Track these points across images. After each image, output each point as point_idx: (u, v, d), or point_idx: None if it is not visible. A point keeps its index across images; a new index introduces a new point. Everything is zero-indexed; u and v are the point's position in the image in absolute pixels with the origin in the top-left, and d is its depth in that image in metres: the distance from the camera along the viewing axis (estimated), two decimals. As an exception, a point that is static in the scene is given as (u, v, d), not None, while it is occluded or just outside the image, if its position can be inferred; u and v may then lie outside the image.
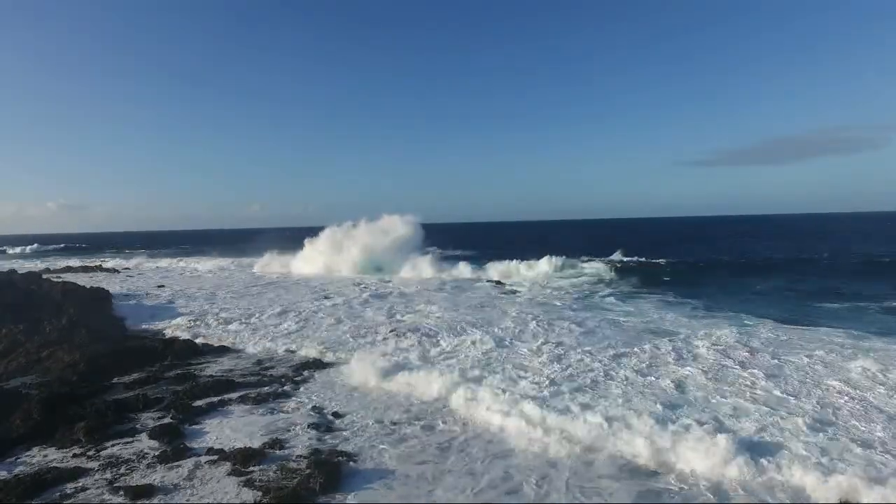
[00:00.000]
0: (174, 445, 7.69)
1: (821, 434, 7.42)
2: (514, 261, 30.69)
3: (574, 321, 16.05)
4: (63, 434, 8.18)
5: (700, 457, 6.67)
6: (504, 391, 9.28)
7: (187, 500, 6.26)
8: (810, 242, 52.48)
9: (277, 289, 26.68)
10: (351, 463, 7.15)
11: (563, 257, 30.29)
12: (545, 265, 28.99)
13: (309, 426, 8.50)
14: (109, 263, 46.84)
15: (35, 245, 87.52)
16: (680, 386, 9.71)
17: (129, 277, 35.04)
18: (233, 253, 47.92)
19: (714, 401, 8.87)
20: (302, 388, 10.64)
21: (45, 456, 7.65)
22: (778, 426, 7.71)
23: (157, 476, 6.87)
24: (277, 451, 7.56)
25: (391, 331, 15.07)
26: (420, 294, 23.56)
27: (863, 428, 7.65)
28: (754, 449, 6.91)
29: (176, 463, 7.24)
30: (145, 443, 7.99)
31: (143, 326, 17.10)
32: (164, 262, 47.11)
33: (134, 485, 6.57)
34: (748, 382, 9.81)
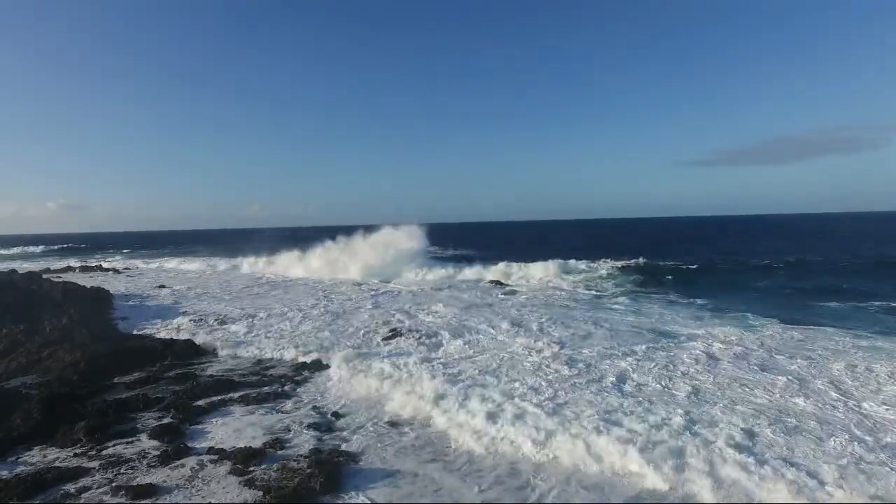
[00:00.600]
0: (175, 445, 7.70)
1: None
2: (515, 261, 30.67)
3: (575, 322, 16.04)
4: (64, 434, 8.18)
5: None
6: (496, 407, 8.63)
7: (188, 500, 6.26)
8: (811, 242, 52.48)
9: (278, 289, 26.69)
10: (351, 463, 7.15)
11: (564, 259, 30.27)
12: (546, 266, 28.96)
13: (309, 426, 8.51)
14: (104, 263, 46.83)
15: (35, 245, 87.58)
16: (697, 392, 9.27)
17: (129, 277, 35.05)
18: (232, 253, 47.86)
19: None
20: (302, 388, 10.65)
21: (46, 455, 7.66)
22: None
23: (158, 476, 6.88)
24: (278, 451, 7.56)
25: (391, 330, 15.06)
26: (420, 295, 23.57)
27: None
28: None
29: (177, 462, 7.24)
30: (146, 442, 7.99)
31: (144, 326, 17.09)
32: (156, 263, 46.94)
33: (135, 484, 6.57)
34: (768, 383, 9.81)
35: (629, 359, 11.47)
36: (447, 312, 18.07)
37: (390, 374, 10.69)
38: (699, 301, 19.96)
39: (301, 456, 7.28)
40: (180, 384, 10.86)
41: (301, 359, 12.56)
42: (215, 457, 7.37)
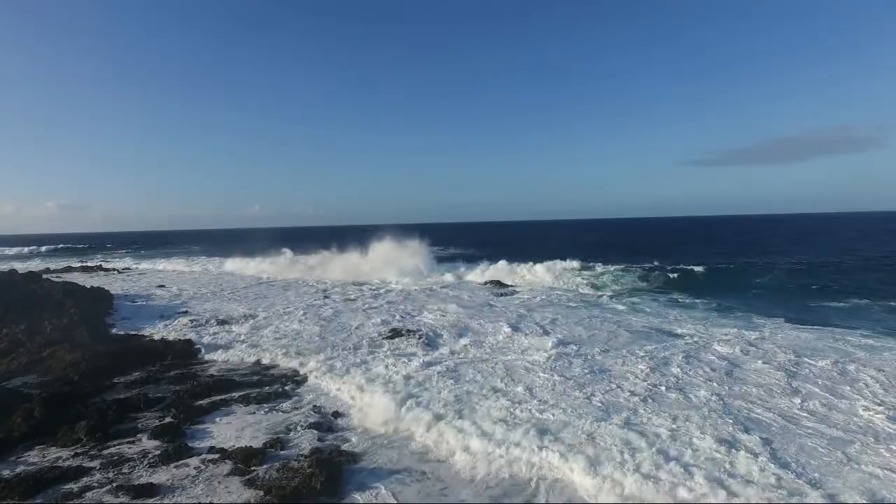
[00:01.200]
0: (175, 444, 7.70)
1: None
2: (516, 261, 30.65)
3: (575, 323, 16.05)
4: (65, 433, 8.19)
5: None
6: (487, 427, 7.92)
7: (189, 500, 6.27)
8: (812, 242, 52.48)
9: (278, 290, 26.70)
10: (352, 463, 7.15)
11: (566, 259, 30.22)
12: (547, 266, 28.93)
13: (309, 426, 8.50)
14: (105, 264, 46.83)
15: (35, 245, 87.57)
16: (720, 397, 8.89)
17: (129, 278, 35.05)
18: (233, 253, 47.84)
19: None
20: (302, 388, 10.65)
21: (47, 455, 7.66)
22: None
23: (159, 475, 6.88)
24: (279, 451, 7.56)
25: (391, 330, 15.04)
26: (420, 295, 23.58)
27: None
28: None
29: (177, 462, 7.25)
30: (147, 442, 7.99)
31: (144, 326, 17.09)
32: (156, 263, 46.97)
33: (135, 484, 6.57)
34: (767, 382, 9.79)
35: (630, 361, 11.38)
36: (447, 313, 18.07)
37: (363, 386, 10.10)
38: (703, 301, 20.03)
39: (302, 455, 7.28)
40: (181, 384, 10.86)
41: (291, 364, 12.33)
42: (216, 456, 7.38)
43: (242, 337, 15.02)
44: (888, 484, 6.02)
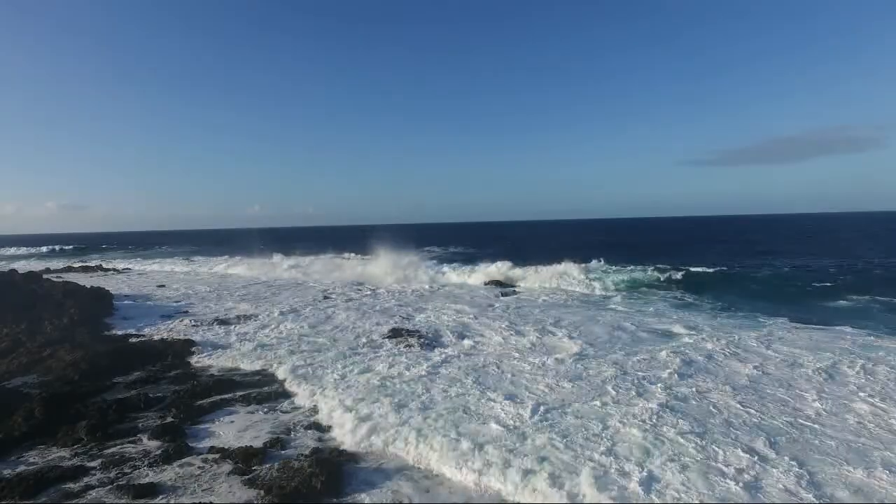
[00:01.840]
0: (176, 444, 7.70)
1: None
2: (517, 261, 30.61)
3: (575, 324, 16.05)
4: (65, 433, 8.19)
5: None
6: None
7: (189, 499, 6.27)
8: (812, 241, 52.45)
9: (279, 290, 26.71)
10: (353, 463, 7.15)
11: (567, 259, 30.19)
12: (548, 267, 28.89)
13: (310, 425, 8.51)
14: (105, 263, 46.83)
15: (35, 245, 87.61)
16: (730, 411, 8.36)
17: (129, 277, 35.07)
18: (233, 253, 47.86)
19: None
20: (302, 388, 10.62)
21: (48, 455, 7.67)
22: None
23: (160, 475, 6.88)
24: (279, 451, 7.57)
25: (391, 330, 15.05)
26: (420, 296, 23.59)
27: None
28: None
29: (178, 462, 7.25)
30: (147, 442, 7.99)
31: (144, 326, 17.09)
32: (156, 264, 47.01)
33: (136, 483, 6.58)
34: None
35: (643, 364, 11.27)
36: (448, 313, 18.07)
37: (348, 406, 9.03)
38: (708, 301, 20.03)
39: (302, 455, 7.28)
40: (181, 384, 10.86)
41: (291, 364, 12.39)
42: (216, 456, 7.38)
43: (243, 337, 15.02)
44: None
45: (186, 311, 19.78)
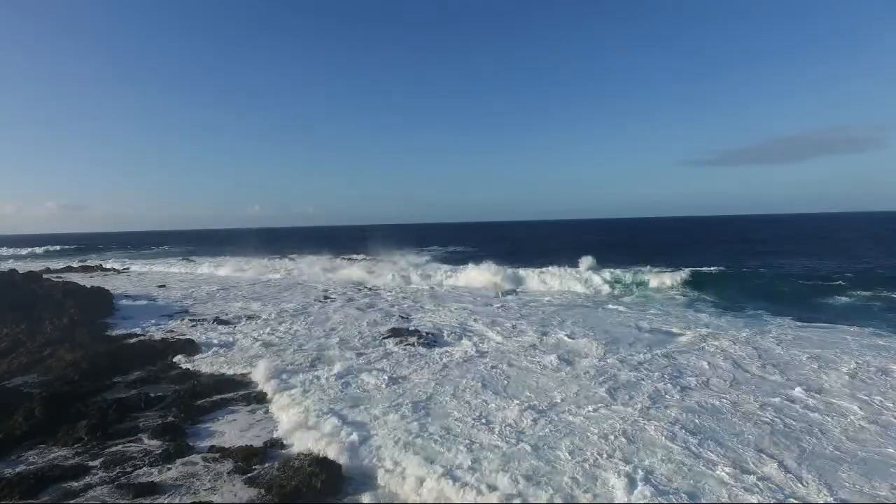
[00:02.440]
0: (176, 444, 7.69)
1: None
2: (517, 261, 30.63)
3: (581, 325, 16.03)
4: (65, 432, 8.19)
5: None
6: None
7: (190, 498, 6.26)
8: (812, 241, 52.45)
9: (279, 290, 26.73)
10: (353, 461, 7.14)
11: (568, 259, 30.17)
12: (548, 267, 28.88)
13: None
14: (105, 263, 46.83)
15: (35, 245, 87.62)
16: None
17: (129, 277, 35.09)
18: (233, 253, 47.89)
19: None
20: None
21: (48, 454, 7.66)
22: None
23: (160, 474, 6.88)
24: (279, 450, 7.57)
25: (390, 329, 15.05)
26: (420, 297, 23.61)
27: None
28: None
29: (178, 461, 7.24)
30: (148, 441, 7.99)
31: (145, 326, 17.10)
32: (156, 264, 47.01)
33: (136, 482, 6.57)
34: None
35: (652, 366, 11.19)
36: (448, 313, 18.07)
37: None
38: (709, 300, 20.08)
39: (302, 455, 7.27)
40: (181, 383, 10.85)
41: (291, 365, 12.46)
42: (217, 455, 7.38)
43: (243, 336, 15.02)
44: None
45: (187, 311, 19.78)
